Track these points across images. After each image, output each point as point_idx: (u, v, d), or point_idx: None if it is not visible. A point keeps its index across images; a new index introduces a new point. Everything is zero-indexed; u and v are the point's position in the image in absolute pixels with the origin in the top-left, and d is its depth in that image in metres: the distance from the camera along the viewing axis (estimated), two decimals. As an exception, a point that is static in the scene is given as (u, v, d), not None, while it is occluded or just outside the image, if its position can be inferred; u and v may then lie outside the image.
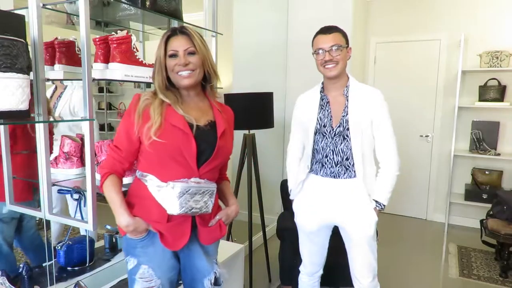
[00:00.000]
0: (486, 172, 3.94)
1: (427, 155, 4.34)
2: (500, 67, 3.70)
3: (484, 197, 3.81)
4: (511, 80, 3.85)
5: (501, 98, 3.80)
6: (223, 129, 1.35)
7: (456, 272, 3.09)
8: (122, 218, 1.24)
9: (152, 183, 1.28)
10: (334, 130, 1.71)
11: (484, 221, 3.22)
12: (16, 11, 1.24)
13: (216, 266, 1.46)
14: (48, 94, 1.81)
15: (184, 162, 1.26)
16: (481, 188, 3.89)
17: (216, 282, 1.44)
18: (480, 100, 3.89)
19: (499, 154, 3.84)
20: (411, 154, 4.40)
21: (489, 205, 3.35)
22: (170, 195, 1.23)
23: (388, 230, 4.00)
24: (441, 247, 3.65)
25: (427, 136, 4.31)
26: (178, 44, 1.27)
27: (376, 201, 1.72)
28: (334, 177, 1.73)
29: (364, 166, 1.69)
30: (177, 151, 1.24)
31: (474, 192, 3.90)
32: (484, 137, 3.95)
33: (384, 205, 1.73)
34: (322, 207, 1.77)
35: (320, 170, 1.76)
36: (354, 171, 1.70)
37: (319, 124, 1.74)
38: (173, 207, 1.23)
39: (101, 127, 2.44)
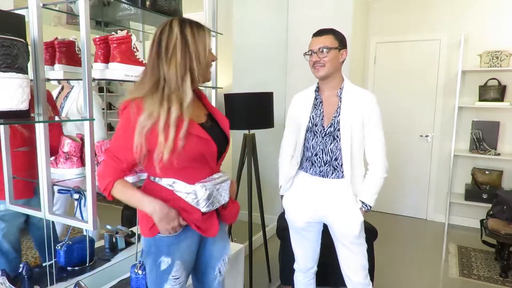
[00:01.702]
0: (486, 172, 3.94)
1: (427, 155, 4.34)
2: (500, 67, 3.70)
3: (484, 197, 3.81)
4: (511, 80, 3.85)
5: (501, 98, 3.80)
6: (228, 121, 1.40)
7: (456, 272, 3.09)
8: (157, 206, 1.20)
9: (178, 187, 1.26)
10: (325, 129, 1.76)
11: (484, 221, 3.22)
12: (16, 11, 1.24)
13: (229, 246, 1.49)
14: (54, 94, 1.81)
15: (206, 163, 1.28)
16: (481, 188, 3.89)
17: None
18: (480, 100, 3.89)
19: (499, 154, 3.84)
20: (411, 154, 4.40)
21: (489, 205, 3.35)
22: (201, 196, 1.25)
23: (388, 230, 4.00)
24: (441, 247, 3.66)
25: (427, 136, 4.31)
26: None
27: (363, 202, 1.75)
28: (323, 176, 1.78)
29: (352, 167, 1.72)
30: (199, 155, 1.24)
31: (474, 192, 3.90)
32: (484, 137, 3.95)
33: (370, 206, 1.75)
34: (311, 205, 1.82)
35: (310, 168, 1.81)
36: (342, 172, 1.74)
37: (311, 122, 1.79)
38: (206, 205, 1.26)
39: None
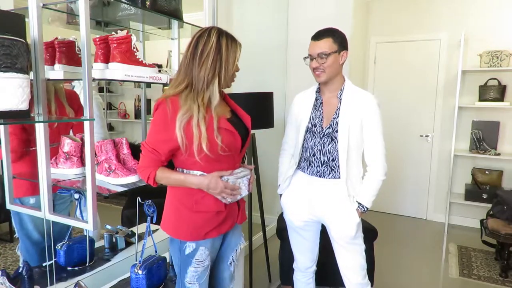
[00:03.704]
0: (486, 172, 3.94)
1: (427, 155, 4.34)
2: (500, 67, 3.70)
3: (484, 197, 3.82)
4: (511, 80, 3.85)
5: (501, 98, 3.81)
6: (249, 117, 1.52)
7: (456, 272, 3.09)
8: (200, 179, 1.32)
9: None
10: (324, 130, 1.75)
11: (484, 221, 3.22)
12: (16, 11, 1.24)
13: (242, 238, 1.63)
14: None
15: (231, 156, 1.39)
16: (481, 188, 3.89)
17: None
18: (480, 100, 3.89)
19: (499, 154, 3.84)
20: (411, 154, 4.40)
21: (489, 205, 3.36)
22: None
23: (388, 230, 4.01)
24: (441, 247, 3.66)
25: (427, 136, 4.31)
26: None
27: (359, 203, 1.75)
28: (320, 176, 1.77)
29: (348, 168, 1.71)
30: (227, 147, 1.33)
31: (474, 192, 3.90)
32: (484, 137, 3.95)
33: (367, 208, 1.75)
34: (308, 204, 1.82)
35: (307, 168, 1.81)
36: (339, 172, 1.73)
37: (311, 123, 1.78)
38: (229, 197, 1.38)
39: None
